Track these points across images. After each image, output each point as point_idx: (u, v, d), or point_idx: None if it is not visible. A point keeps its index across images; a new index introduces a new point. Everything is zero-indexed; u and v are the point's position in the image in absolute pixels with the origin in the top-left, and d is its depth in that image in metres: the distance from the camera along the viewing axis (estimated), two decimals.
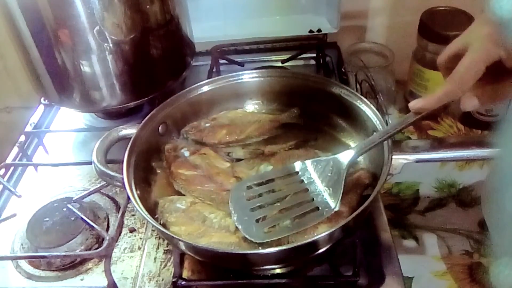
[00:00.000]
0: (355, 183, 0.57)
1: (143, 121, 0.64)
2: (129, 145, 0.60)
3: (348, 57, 0.93)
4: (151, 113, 0.65)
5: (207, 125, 0.69)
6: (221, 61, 0.93)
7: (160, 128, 0.66)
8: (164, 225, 0.56)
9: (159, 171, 0.65)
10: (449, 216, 0.76)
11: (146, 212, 0.53)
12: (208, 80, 0.71)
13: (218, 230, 0.55)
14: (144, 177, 0.62)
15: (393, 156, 0.54)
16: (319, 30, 0.94)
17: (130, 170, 0.58)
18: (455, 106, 0.94)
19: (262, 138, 0.68)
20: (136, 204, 0.54)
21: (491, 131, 0.87)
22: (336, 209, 0.53)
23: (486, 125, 0.89)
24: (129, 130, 0.63)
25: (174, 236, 0.52)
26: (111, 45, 0.70)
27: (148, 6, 0.71)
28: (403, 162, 0.55)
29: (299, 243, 0.48)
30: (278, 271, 0.58)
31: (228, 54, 0.94)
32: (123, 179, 0.56)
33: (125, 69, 0.73)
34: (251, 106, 0.73)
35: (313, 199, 0.55)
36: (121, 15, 0.68)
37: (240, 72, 0.71)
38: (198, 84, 0.70)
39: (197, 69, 0.94)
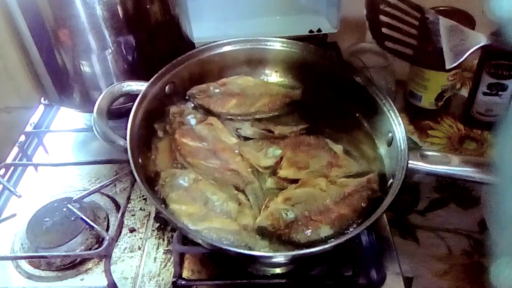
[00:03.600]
0: (363, 185, 0.56)
1: (152, 78, 0.61)
2: (135, 104, 0.58)
3: (348, 57, 0.93)
4: (160, 71, 0.62)
5: (217, 91, 0.66)
6: None
7: (167, 87, 0.63)
8: (163, 200, 0.55)
9: (161, 135, 0.62)
10: (449, 216, 0.76)
11: (152, 197, 0.51)
12: (225, 40, 0.68)
13: (220, 214, 0.54)
14: (146, 140, 0.59)
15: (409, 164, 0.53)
16: (319, 30, 0.94)
17: (134, 135, 0.56)
18: (455, 106, 0.94)
19: (273, 114, 0.66)
20: (142, 184, 0.51)
21: (491, 131, 0.87)
22: None
23: (486, 125, 0.89)
24: (135, 85, 0.60)
25: (179, 223, 0.51)
26: (111, 45, 0.70)
27: (148, 6, 0.71)
28: (415, 173, 0.54)
29: (298, 252, 0.48)
30: (278, 271, 0.58)
31: None
32: (127, 149, 0.54)
33: (125, 69, 0.73)
34: (263, 76, 0.70)
35: None
36: (121, 15, 0.68)
37: (261, 38, 0.69)
38: (212, 44, 0.67)
39: None
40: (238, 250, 0.49)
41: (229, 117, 0.66)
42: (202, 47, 0.66)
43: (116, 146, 0.56)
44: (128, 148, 0.54)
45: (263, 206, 0.55)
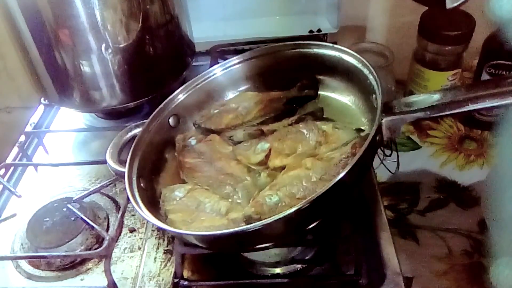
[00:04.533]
0: (349, 152, 0.54)
1: (148, 119, 0.64)
2: (133, 145, 0.61)
3: None
4: (157, 109, 0.65)
5: (216, 111, 0.68)
6: (221, 61, 0.93)
7: (170, 120, 0.66)
8: (165, 214, 0.56)
9: (169, 161, 0.65)
10: (449, 216, 0.76)
11: (143, 208, 0.53)
12: (216, 66, 0.70)
13: (210, 214, 0.55)
14: (154, 168, 0.62)
15: (385, 119, 0.51)
16: (319, 30, 0.94)
17: (134, 165, 0.58)
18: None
19: (268, 116, 0.67)
20: (133, 199, 0.54)
21: (491, 131, 0.88)
22: None
23: (486, 125, 0.89)
24: (138, 129, 0.64)
25: (160, 224, 0.51)
26: (111, 45, 0.70)
27: (148, 6, 0.71)
28: (400, 123, 0.52)
29: (287, 212, 0.46)
30: (278, 271, 0.58)
31: (228, 54, 0.94)
32: (124, 173, 0.57)
33: (125, 69, 0.73)
34: (261, 86, 0.71)
35: None
36: (121, 15, 0.68)
37: (234, 58, 0.70)
38: (204, 72, 0.69)
39: (197, 69, 0.94)
40: (228, 231, 0.48)
41: (227, 130, 0.67)
42: (197, 78, 0.69)
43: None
44: (126, 176, 0.56)
45: (252, 199, 0.55)
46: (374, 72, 0.57)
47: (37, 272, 0.61)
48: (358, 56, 0.61)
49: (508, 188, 0.42)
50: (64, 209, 0.64)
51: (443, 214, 0.77)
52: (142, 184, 0.57)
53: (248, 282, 0.56)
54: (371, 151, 0.53)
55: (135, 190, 0.56)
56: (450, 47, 0.82)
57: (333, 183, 0.47)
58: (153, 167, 0.62)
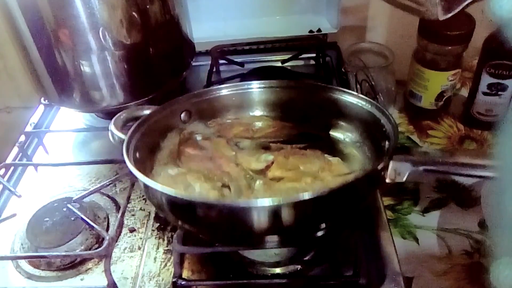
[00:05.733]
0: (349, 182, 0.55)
1: (163, 104, 0.64)
2: (140, 120, 0.61)
3: (348, 57, 0.93)
4: (177, 98, 0.65)
5: (228, 121, 0.69)
6: (221, 61, 0.93)
7: (182, 114, 0.66)
8: None
9: (168, 143, 0.64)
10: (449, 216, 0.76)
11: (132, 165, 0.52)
12: (250, 82, 0.70)
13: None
14: (151, 147, 0.62)
15: (394, 161, 0.52)
16: (319, 30, 0.94)
17: (136, 136, 0.58)
18: (455, 106, 0.94)
19: (278, 140, 0.67)
20: (127, 157, 0.53)
21: (491, 131, 0.88)
22: None
23: (486, 125, 0.89)
24: (147, 111, 0.64)
25: (147, 181, 0.49)
26: (111, 45, 0.70)
27: (148, 6, 0.71)
28: (408, 170, 0.52)
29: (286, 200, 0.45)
30: (278, 271, 0.58)
31: (228, 54, 0.94)
32: (123, 140, 0.56)
33: (125, 69, 0.73)
34: (276, 116, 0.71)
35: None
36: (121, 15, 0.69)
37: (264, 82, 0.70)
38: (237, 83, 0.70)
39: (197, 69, 0.94)
40: (226, 202, 0.47)
41: (235, 139, 0.67)
42: (225, 85, 0.69)
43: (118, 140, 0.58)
44: (126, 140, 0.56)
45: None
46: (394, 122, 0.57)
47: (37, 272, 0.61)
48: (380, 107, 0.60)
49: (508, 188, 0.42)
50: (64, 209, 0.64)
51: (443, 214, 0.77)
52: (137, 155, 0.57)
53: (248, 282, 0.56)
54: (373, 180, 0.53)
55: (131, 156, 0.55)
56: (450, 47, 0.82)
57: (335, 186, 0.47)
58: (150, 147, 0.62)
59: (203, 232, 0.55)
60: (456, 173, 0.53)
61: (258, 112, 0.71)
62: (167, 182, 0.56)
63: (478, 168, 0.51)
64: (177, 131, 0.66)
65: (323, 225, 0.52)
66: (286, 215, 0.46)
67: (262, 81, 0.69)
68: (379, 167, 0.51)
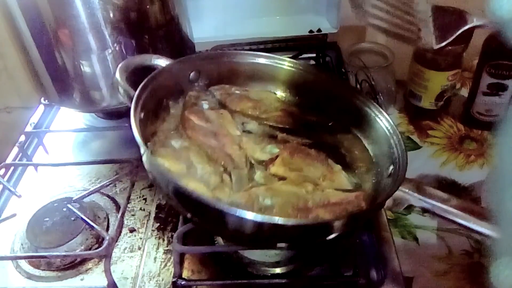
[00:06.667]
0: (350, 200, 0.54)
1: (178, 59, 0.63)
2: (152, 74, 0.59)
3: (348, 57, 0.93)
4: (189, 56, 0.65)
5: (237, 92, 0.68)
6: None
7: (192, 74, 0.65)
8: (151, 153, 0.55)
9: (172, 112, 0.63)
10: None
11: (139, 136, 0.50)
12: (262, 54, 0.68)
13: (198, 180, 0.54)
14: (155, 107, 0.61)
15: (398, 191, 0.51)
16: (319, 30, 0.94)
17: (145, 93, 0.57)
18: (455, 106, 0.94)
19: (282, 126, 0.66)
20: (134, 120, 0.52)
21: (491, 131, 0.88)
22: None
23: (486, 125, 0.89)
24: (162, 61, 0.63)
25: (163, 170, 0.49)
26: (111, 45, 0.70)
27: (148, 6, 0.71)
28: (407, 203, 0.52)
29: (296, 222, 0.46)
30: (278, 271, 0.58)
31: None
32: (133, 97, 0.55)
33: None
34: (289, 96, 0.70)
35: None
36: (120, 15, 0.68)
37: (291, 60, 0.68)
38: (248, 52, 0.68)
39: None
40: (220, 206, 0.46)
41: (240, 115, 0.66)
42: (236, 51, 0.68)
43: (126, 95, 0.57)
44: (135, 97, 0.55)
45: (244, 190, 0.55)
46: (403, 144, 0.56)
47: (37, 272, 0.61)
48: (392, 123, 0.60)
49: (508, 188, 0.42)
50: (64, 209, 0.64)
51: None
52: (141, 115, 0.55)
53: (248, 282, 0.56)
54: (370, 214, 0.53)
55: (137, 117, 0.54)
56: (450, 47, 0.82)
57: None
58: (155, 107, 0.61)
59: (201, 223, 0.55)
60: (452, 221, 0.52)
61: (271, 87, 0.69)
62: (169, 155, 0.55)
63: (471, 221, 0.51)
64: (184, 96, 0.64)
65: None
66: (279, 231, 0.47)
67: (285, 58, 0.67)
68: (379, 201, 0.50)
